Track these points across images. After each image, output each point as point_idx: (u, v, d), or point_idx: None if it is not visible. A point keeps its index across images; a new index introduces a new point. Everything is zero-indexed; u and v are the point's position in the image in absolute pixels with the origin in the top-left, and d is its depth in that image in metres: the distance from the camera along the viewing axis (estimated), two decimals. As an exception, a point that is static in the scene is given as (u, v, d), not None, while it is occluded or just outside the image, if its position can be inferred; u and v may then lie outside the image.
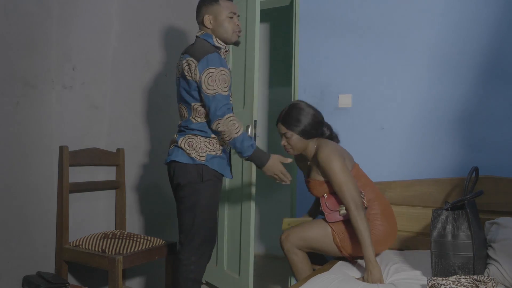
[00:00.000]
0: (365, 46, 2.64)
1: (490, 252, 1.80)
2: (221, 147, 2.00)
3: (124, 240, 2.17)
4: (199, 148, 1.93)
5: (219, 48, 1.99)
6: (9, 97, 2.07)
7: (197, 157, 1.93)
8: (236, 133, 1.85)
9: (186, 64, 1.90)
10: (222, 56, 1.98)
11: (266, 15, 3.72)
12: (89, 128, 2.42)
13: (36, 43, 2.17)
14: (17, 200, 2.10)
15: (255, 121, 2.60)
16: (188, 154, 1.93)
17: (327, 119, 2.26)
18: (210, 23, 1.98)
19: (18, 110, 2.11)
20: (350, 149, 2.56)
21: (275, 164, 1.96)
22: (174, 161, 1.97)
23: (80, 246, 2.17)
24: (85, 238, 2.20)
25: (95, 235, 2.22)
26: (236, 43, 2.06)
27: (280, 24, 3.95)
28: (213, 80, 1.84)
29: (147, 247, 2.21)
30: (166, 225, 2.88)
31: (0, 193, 2.03)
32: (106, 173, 2.47)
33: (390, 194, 2.44)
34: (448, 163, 2.43)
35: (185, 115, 2.00)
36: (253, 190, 2.55)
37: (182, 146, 1.95)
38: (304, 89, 2.83)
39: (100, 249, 2.10)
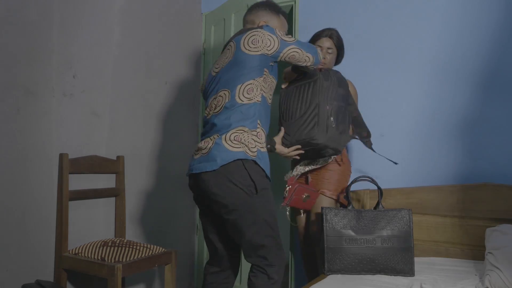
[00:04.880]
0: (365, 52, 2.65)
1: (491, 259, 1.79)
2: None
3: (123, 248, 2.16)
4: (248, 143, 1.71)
5: None
6: (10, 105, 2.07)
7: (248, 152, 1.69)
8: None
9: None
10: None
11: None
12: (89, 136, 2.42)
13: (37, 51, 2.19)
14: (16, 207, 2.10)
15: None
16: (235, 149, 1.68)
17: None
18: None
19: (19, 117, 2.11)
20: (351, 156, 2.56)
21: None
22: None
23: (80, 254, 2.16)
24: (85, 246, 2.19)
25: (95, 243, 2.21)
26: None
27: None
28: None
29: (146, 255, 2.20)
30: (166, 233, 2.87)
31: (-1, 200, 2.03)
32: (106, 181, 2.47)
33: (390, 201, 2.44)
34: (449, 171, 2.42)
35: None
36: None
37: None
38: (304, 97, 2.83)
39: (99, 257, 2.10)
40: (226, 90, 1.76)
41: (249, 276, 1.73)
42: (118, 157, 2.51)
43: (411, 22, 2.55)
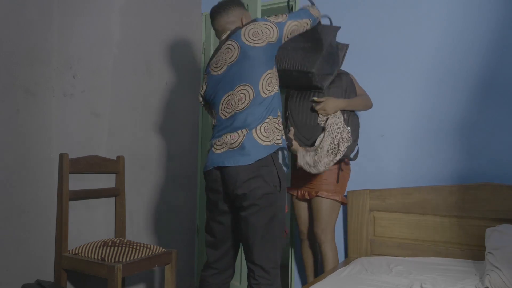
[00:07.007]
0: (365, 54, 2.65)
1: (491, 259, 1.80)
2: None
3: (123, 248, 2.16)
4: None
5: None
6: (10, 105, 2.07)
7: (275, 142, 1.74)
8: None
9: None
10: None
11: (266, 15, 3.73)
12: (89, 136, 2.42)
13: (37, 51, 2.19)
14: (16, 207, 2.10)
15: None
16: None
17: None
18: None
19: (19, 117, 2.11)
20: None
21: None
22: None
23: (80, 254, 2.16)
24: (85, 246, 2.19)
25: (95, 243, 2.21)
26: None
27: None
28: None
29: (146, 255, 2.20)
30: (166, 233, 2.87)
31: (-1, 200, 2.03)
32: (106, 181, 2.47)
33: (390, 201, 2.44)
34: (447, 171, 2.43)
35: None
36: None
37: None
38: (303, 97, 2.83)
39: (99, 257, 2.10)
40: (246, 85, 1.73)
41: (251, 284, 1.68)
42: (118, 157, 2.51)
43: (410, 23, 2.55)
